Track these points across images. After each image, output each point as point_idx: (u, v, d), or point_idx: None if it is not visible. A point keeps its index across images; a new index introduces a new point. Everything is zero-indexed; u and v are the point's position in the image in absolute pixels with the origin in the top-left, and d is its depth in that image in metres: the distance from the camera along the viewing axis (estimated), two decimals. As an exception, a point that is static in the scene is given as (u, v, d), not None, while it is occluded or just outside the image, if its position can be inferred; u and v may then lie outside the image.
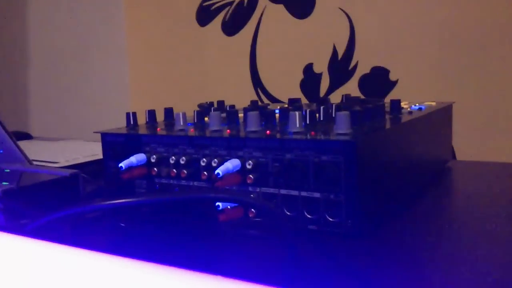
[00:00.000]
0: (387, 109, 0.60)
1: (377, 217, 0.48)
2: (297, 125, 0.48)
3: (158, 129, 0.57)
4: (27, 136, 1.12)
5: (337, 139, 0.44)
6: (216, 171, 0.46)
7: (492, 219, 0.49)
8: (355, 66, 1.31)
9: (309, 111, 0.51)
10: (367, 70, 1.31)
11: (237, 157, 0.49)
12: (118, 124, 0.65)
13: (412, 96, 1.23)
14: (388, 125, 0.51)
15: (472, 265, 0.38)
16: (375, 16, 1.27)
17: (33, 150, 0.90)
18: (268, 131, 0.50)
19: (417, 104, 0.68)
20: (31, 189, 0.54)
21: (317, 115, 0.55)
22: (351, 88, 1.28)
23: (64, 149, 0.87)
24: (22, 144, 1.02)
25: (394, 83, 1.28)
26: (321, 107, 0.54)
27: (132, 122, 0.60)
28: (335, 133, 0.46)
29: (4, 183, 0.53)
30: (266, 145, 0.47)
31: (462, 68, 1.17)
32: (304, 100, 1.25)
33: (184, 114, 0.56)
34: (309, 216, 0.46)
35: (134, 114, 0.60)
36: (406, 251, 0.42)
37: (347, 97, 0.74)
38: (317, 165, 0.45)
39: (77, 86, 1.42)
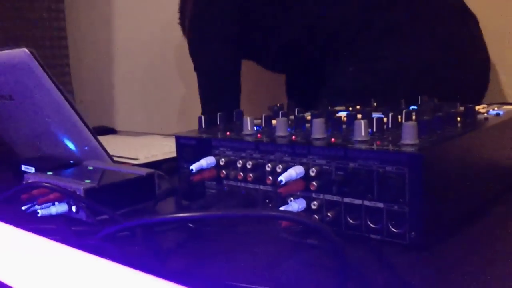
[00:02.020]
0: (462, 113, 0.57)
1: (442, 229, 0.46)
2: (363, 134, 0.48)
3: (228, 133, 0.59)
4: (112, 131, 1.19)
5: (402, 151, 0.43)
6: (280, 178, 0.47)
7: None
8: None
9: (376, 119, 0.51)
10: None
11: (301, 163, 0.50)
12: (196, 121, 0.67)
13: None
14: (458, 135, 0.50)
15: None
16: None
17: (116, 145, 0.95)
18: (333, 139, 0.50)
19: (495, 109, 0.65)
20: (111, 187, 0.58)
21: (386, 119, 0.54)
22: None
23: (144, 146, 0.92)
24: (107, 138, 1.09)
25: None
26: (390, 114, 0.53)
27: (204, 126, 0.62)
28: (402, 144, 0.45)
29: (87, 181, 0.58)
30: (330, 153, 0.48)
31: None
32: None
33: (252, 119, 0.58)
34: (372, 225, 0.46)
35: (206, 117, 0.63)
36: (469, 267, 0.41)
37: (422, 100, 0.72)
38: (381, 176, 0.45)
39: (160, 83, 1.48)
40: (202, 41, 1.11)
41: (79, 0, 1.55)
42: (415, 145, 0.45)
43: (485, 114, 0.61)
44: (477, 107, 0.66)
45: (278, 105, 0.73)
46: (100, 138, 1.08)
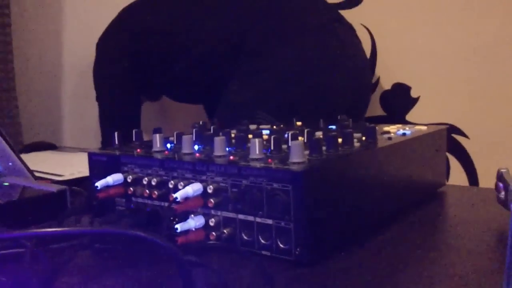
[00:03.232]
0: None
1: (330, 246, 0.48)
2: (257, 152, 0.49)
3: (138, 150, 0.60)
4: (51, 147, 1.18)
5: (285, 169, 0.45)
6: (175, 195, 0.48)
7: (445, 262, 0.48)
8: (377, 82, 1.30)
9: (273, 137, 0.52)
10: (388, 87, 1.30)
11: (201, 181, 0.51)
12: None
13: (433, 114, 1.21)
14: (349, 154, 0.51)
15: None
16: (396, 32, 1.26)
17: (47, 161, 0.95)
18: (231, 157, 0.51)
19: (407, 128, 0.67)
20: (19, 204, 0.58)
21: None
22: (372, 104, 1.27)
23: (75, 162, 0.91)
24: (42, 154, 1.08)
25: (415, 100, 1.26)
26: (289, 133, 0.55)
27: (117, 142, 0.63)
28: (289, 162, 0.47)
29: (-5, 197, 0.57)
30: (226, 171, 0.49)
31: (485, 84, 1.14)
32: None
33: (161, 136, 0.59)
34: (263, 241, 0.47)
35: (119, 134, 0.63)
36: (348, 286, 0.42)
37: (340, 119, 0.73)
38: (269, 193, 0.46)
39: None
40: (101, 83, 1.25)
41: (26, 12, 1.54)
42: (301, 163, 0.46)
43: (392, 134, 0.63)
44: (388, 128, 0.68)
45: (201, 122, 0.74)
46: (36, 153, 1.08)
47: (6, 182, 0.67)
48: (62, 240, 0.50)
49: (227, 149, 0.54)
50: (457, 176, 1.17)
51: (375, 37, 1.29)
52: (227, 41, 1.11)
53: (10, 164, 0.76)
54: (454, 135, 1.17)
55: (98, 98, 1.25)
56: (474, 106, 1.16)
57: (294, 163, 0.46)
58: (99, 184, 0.55)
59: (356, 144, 0.55)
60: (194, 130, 0.63)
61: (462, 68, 1.17)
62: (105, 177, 0.57)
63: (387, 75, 1.30)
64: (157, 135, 0.59)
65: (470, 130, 1.18)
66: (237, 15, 1.14)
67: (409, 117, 1.27)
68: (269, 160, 0.48)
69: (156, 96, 1.37)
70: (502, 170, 0.54)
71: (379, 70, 1.30)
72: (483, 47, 1.14)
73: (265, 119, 0.76)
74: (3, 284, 0.43)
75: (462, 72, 1.17)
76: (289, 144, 0.54)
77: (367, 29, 1.29)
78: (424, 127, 0.69)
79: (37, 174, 0.77)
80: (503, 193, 0.54)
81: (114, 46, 1.19)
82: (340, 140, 0.54)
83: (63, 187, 0.61)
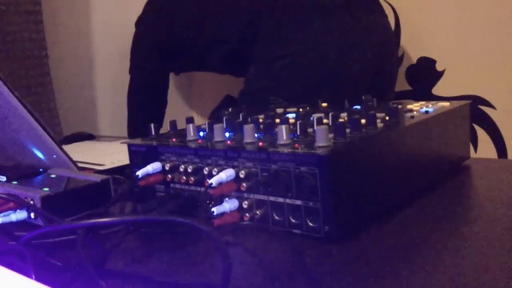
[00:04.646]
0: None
1: (357, 223, 0.51)
2: (284, 138, 0.53)
3: (173, 139, 0.63)
4: (90, 137, 1.24)
5: (312, 153, 0.48)
6: (210, 181, 0.52)
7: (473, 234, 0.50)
8: (402, 57, 1.31)
9: (299, 123, 0.55)
10: (414, 61, 1.30)
11: (233, 166, 0.54)
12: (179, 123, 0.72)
13: (459, 87, 1.21)
14: (373, 135, 0.54)
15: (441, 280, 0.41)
16: (420, 6, 1.26)
17: (87, 151, 1.00)
18: (260, 143, 0.54)
19: (430, 106, 0.69)
20: (66, 194, 0.63)
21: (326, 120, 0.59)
22: (398, 79, 1.28)
23: (114, 151, 0.96)
24: (82, 144, 1.14)
25: (441, 74, 1.26)
26: (314, 117, 0.58)
27: (153, 133, 0.67)
28: (315, 146, 0.50)
29: (45, 189, 0.62)
30: (256, 157, 0.52)
31: (510, 55, 1.14)
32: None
33: (194, 126, 0.62)
34: (293, 221, 0.51)
35: (156, 126, 0.67)
36: (377, 261, 0.45)
37: (365, 100, 0.76)
38: (297, 176, 0.49)
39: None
40: (136, 56, 1.30)
41: (57, 8, 1.59)
42: (326, 147, 0.49)
43: (415, 112, 0.65)
44: (411, 105, 0.70)
45: (230, 109, 0.77)
46: (76, 144, 1.13)
47: (53, 174, 0.72)
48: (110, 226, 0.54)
49: (256, 135, 0.58)
50: (486, 148, 1.18)
51: (398, 11, 1.30)
52: (245, 30, 1.13)
53: (54, 156, 0.81)
54: (481, 107, 1.17)
55: (130, 70, 1.31)
56: (500, 77, 1.16)
57: (319, 147, 0.49)
58: (140, 172, 0.59)
59: (380, 125, 0.57)
60: (224, 118, 0.67)
61: (487, 39, 1.17)
62: (144, 166, 0.61)
63: (412, 49, 1.30)
64: (191, 125, 0.62)
65: (497, 101, 1.18)
66: (252, 1, 1.15)
67: (435, 90, 1.27)
68: (296, 145, 0.51)
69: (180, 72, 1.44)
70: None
71: (404, 45, 1.30)
72: (508, 17, 1.13)
73: (280, 104, 0.79)
74: (60, 269, 0.48)
75: (487, 43, 1.17)
76: (314, 128, 0.57)
77: (390, 4, 1.29)
78: (447, 103, 0.71)
79: (79, 165, 0.82)
80: (524, 165, 0.56)
81: (152, 26, 1.25)
82: (363, 121, 0.57)
83: (106, 176, 0.66)
